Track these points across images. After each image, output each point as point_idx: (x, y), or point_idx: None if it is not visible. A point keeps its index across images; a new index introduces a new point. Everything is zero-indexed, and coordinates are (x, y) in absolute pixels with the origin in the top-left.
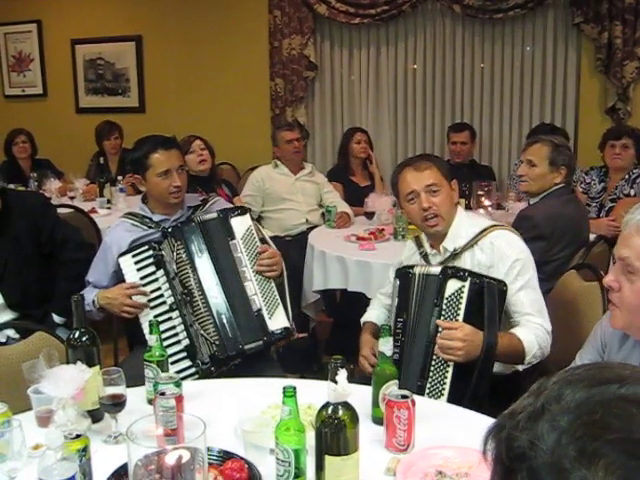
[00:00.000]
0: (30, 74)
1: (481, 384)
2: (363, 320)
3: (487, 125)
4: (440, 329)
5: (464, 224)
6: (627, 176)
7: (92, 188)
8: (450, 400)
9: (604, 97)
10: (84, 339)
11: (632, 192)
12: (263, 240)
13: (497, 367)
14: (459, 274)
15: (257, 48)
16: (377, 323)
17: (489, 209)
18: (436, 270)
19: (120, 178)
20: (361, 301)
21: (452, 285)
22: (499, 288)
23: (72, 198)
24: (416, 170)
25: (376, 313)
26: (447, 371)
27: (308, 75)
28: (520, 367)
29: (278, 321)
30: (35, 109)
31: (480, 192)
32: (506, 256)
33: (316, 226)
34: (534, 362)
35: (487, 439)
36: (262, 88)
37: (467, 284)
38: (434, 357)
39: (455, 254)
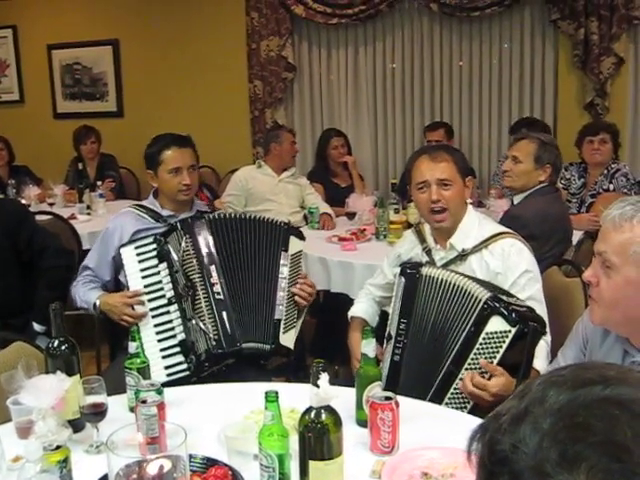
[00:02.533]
0: (6, 80)
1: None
2: (351, 314)
3: (466, 123)
4: (470, 363)
5: (474, 225)
6: (606, 171)
7: (71, 193)
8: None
9: (582, 93)
10: (63, 348)
11: (611, 187)
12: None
13: None
14: (506, 315)
15: (235, 50)
16: (366, 318)
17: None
18: (482, 294)
19: (99, 183)
20: (344, 302)
21: (496, 324)
22: (541, 332)
23: (51, 205)
24: (432, 161)
25: (364, 307)
26: (466, 405)
27: (287, 76)
28: None
29: (287, 339)
30: (12, 115)
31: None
32: (515, 266)
33: (298, 227)
34: None
35: (471, 442)
36: (241, 90)
37: (514, 331)
38: (455, 387)
39: (462, 255)
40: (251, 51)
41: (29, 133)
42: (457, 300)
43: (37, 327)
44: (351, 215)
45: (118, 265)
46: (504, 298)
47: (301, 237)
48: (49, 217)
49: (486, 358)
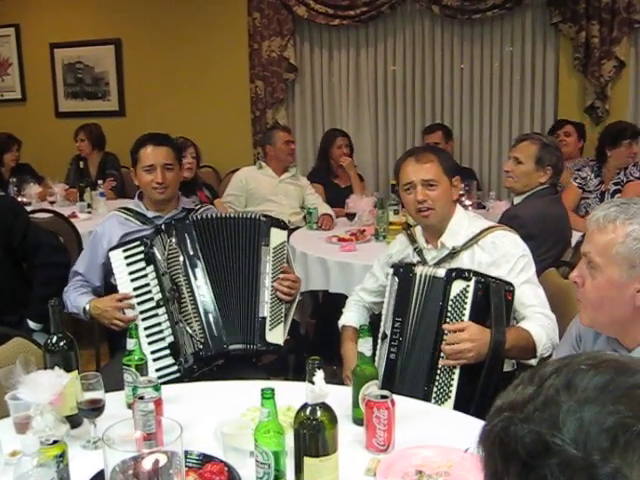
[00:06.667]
0: (9, 79)
1: (489, 384)
2: (342, 323)
3: (467, 125)
4: (446, 333)
5: (464, 222)
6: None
7: (71, 192)
8: (457, 402)
9: (583, 96)
10: (62, 344)
11: None
12: (288, 261)
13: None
14: (463, 275)
15: (237, 50)
16: (357, 327)
17: (469, 208)
18: (441, 273)
19: (100, 182)
20: (343, 302)
21: (457, 286)
22: (506, 288)
23: (52, 203)
24: (417, 162)
25: (355, 316)
26: (453, 374)
27: (288, 77)
28: (533, 361)
29: (275, 336)
30: (14, 114)
31: (460, 192)
32: (510, 253)
33: (298, 228)
34: (546, 354)
35: (487, 436)
36: (242, 90)
37: (472, 284)
38: (440, 361)
39: (453, 253)
40: (253, 51)
41: (31, 132)
42: (435, 290)
43: (32, 324)
44: (351, 216)
45: (108, 270)
46: (460, 267)
47: (284, 227)
48: (50, 215)
49: (455, 319)
